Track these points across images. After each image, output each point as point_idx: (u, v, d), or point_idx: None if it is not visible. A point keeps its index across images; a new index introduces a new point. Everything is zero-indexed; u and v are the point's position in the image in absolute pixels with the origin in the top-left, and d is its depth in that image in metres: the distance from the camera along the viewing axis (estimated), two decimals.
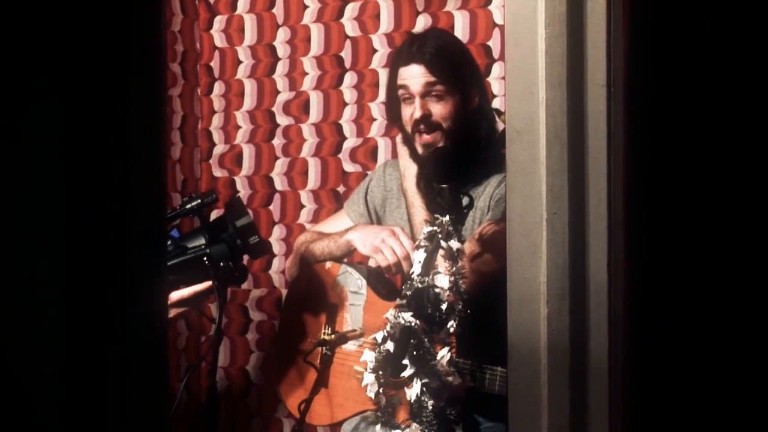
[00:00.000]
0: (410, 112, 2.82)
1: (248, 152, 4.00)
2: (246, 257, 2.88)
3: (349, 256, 2.99)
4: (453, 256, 2.57)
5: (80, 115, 1.31)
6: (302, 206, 3.90)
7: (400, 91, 2.85)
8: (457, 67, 2.85)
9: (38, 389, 1.29)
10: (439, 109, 2.81)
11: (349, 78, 3.84)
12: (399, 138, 2.91)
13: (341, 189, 3.83)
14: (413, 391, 2.55)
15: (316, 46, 3.88)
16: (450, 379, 2.57)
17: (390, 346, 2.60)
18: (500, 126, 2.88)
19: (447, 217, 2.58)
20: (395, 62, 2.90)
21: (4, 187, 1.28)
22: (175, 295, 2.74)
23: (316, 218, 3.84)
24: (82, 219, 1.30)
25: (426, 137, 2.81)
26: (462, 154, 2.82)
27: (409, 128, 2.83)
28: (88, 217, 1.31)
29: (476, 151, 2.84)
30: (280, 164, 3.94)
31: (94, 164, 1.32)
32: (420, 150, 2.82)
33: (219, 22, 4.04)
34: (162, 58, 1.45)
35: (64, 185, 1.30)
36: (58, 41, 1.30)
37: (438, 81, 2.80)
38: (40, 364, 1.29)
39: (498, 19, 3.57)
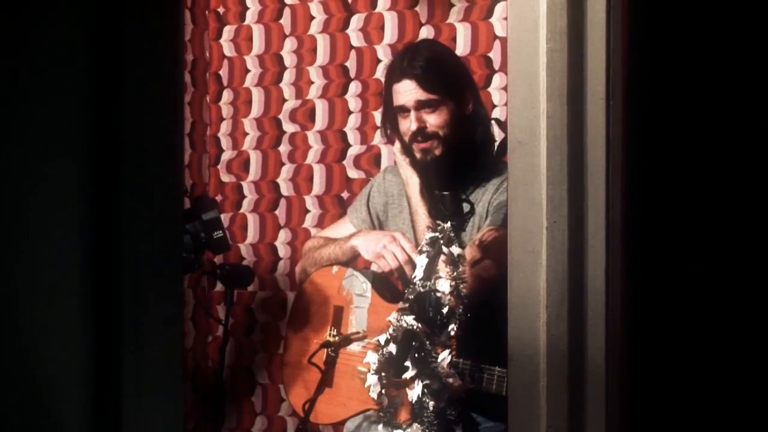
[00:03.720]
0: (407, 125, 2.85)
1: (255, 158, 4.02)
2: (240, 263, 2.90)
3: (354, 261, 3.03)
4: (454, 262, 2.58)
5: (103, 122, 1.37)
6: (307, 211, 3.93)
7: (396, 106, 2.88)
8: (449, 77, 2.88)
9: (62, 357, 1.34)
10: (434, 120, 2.84)
11: (354, 87, 3.87)
12: (397, 148, 2.92)
13: (345, 194, 3.84)
14: (415, 392, 2.57)
15: (322, 55, 3.91)
16: (450, 380, 2.58)
17: (392, 348, 2.60)
18: (495, 130, 2.93)
19: (448, 224, 2.61)
20: (388, 78, 2.92)
21: (35, 170, 1.34)
22: None
23: (320, 223, 3.86)
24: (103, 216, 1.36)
25: (423, 144, 2.85)
26: (460, 160, 2.85)
27: (407, 139, 2.87)
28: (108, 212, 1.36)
29: (474, 156, 2.87)
30: (286, 170, 3.97)
31: (113, 169, 1.38)
32: (419, 156, 2.86)
33: (228, 31, 4.06)
34: (179, 69, 1.50)
35: (85, 187, 1.35)
36: (77, 49, 1.35)
37: (430, 94, 2.83)
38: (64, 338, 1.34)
39: (499, 31, 3.59)
